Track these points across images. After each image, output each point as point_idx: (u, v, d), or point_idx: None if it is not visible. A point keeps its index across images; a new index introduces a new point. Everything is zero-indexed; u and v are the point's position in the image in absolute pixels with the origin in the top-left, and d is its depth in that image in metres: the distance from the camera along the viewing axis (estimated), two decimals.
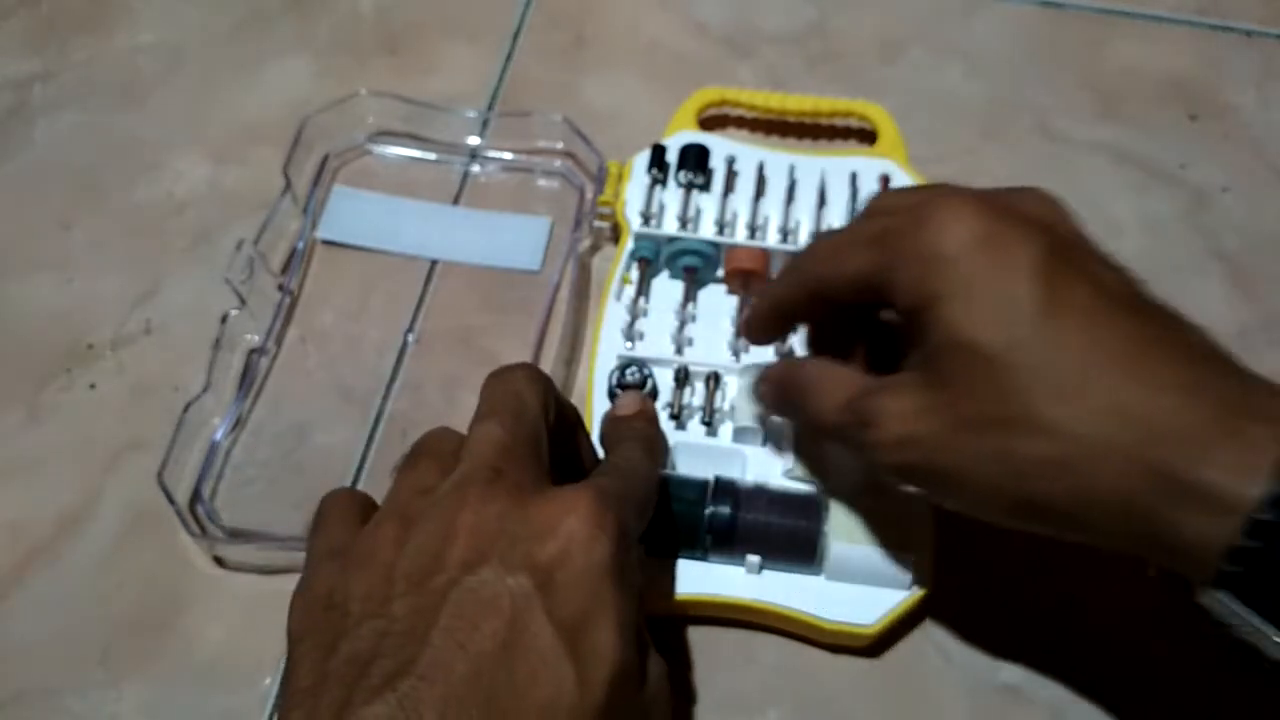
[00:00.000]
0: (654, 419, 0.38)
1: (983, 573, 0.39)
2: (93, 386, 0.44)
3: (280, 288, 0.46)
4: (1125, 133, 0.51)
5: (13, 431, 0.43)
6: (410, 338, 0.45)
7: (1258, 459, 0.25)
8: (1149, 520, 0.27)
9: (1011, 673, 0.37)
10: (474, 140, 0.51)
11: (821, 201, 0.46)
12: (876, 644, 0.38)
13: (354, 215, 0.49)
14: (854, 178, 0.46)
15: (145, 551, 0.40)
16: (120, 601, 0.39)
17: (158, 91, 0.54)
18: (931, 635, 0.38)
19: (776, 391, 0.37)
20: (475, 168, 0.51)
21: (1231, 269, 0.46)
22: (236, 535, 0.40)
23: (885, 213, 0.32)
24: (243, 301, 0.44)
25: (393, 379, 0.44)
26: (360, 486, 0.42)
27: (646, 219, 0.45)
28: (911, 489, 0.32)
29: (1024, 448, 0.28)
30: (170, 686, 0.38)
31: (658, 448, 0.37)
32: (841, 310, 0.35)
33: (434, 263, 0.48)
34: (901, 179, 0.46)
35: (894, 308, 0.31)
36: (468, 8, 0.56)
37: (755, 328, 0.38)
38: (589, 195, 0.48)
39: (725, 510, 0.37)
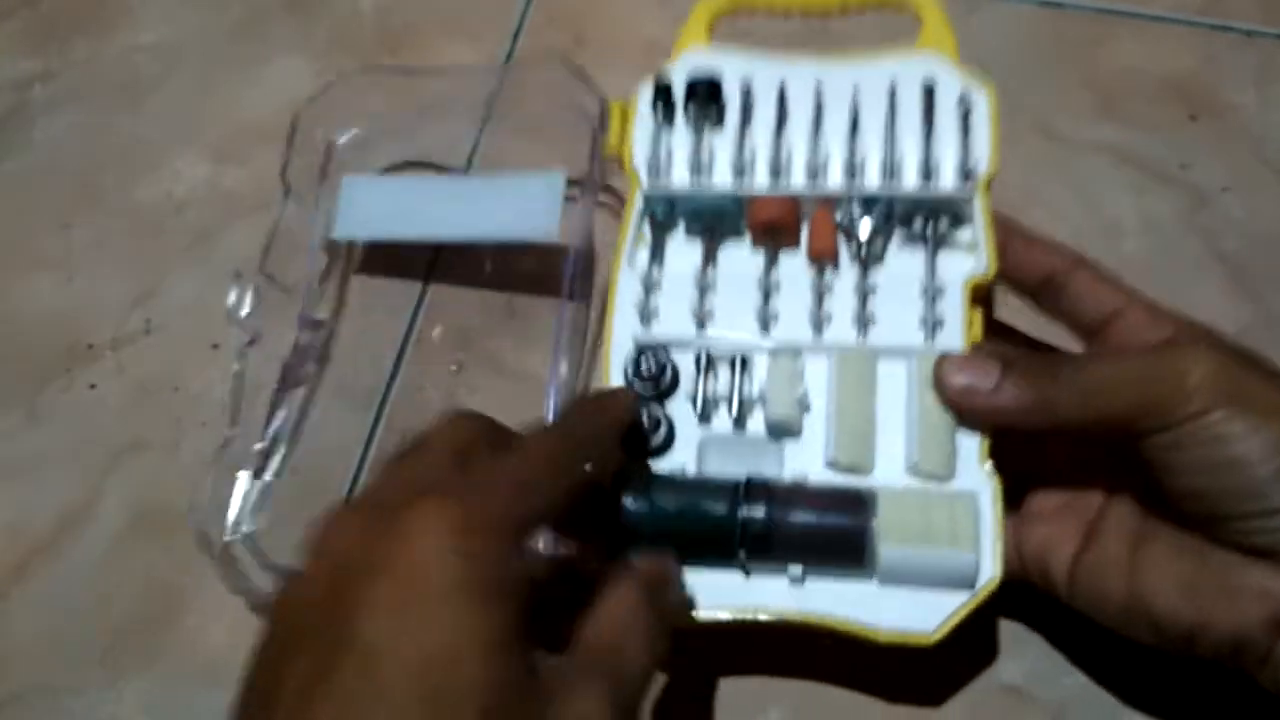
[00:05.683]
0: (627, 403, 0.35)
1: None
2: (93, 386, 0.44)
3: (301, 319, 0.43)
4: (1125, 133, 0.50)
5: (13, 431, 0.43)
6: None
7: None
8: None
9: (1011, 672, 0.37)
10: (475, 102, 0.48)
11: (854, 128, 0.38)
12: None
13: (366, 206, 0.46)
14: (893, 91, 0.38)
15: (145, 551, 0.40)
16: (120, 601, 0.39)
17: (158, 91, 0.54)
18: None
19: None
20: (479, 132, 0.48)
21: (1231, 269, 0.46)
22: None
23: None
24: (253, 339, 0.41)
25: (392, 379, 0.44)
26: (360, 488, 0.42)
27: (655, 169, 0.38)
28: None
29: None
30: (170, 686, 0.38)
31: (617, 407, 0.34)
32: None
33: (433, 263, 0.47)
34: (950, 81, 0.38)
35: None
36: (468, 8, 0.56)
37: None
38: (597, 142, 0.43)
39: (759, 515, 0.33)
